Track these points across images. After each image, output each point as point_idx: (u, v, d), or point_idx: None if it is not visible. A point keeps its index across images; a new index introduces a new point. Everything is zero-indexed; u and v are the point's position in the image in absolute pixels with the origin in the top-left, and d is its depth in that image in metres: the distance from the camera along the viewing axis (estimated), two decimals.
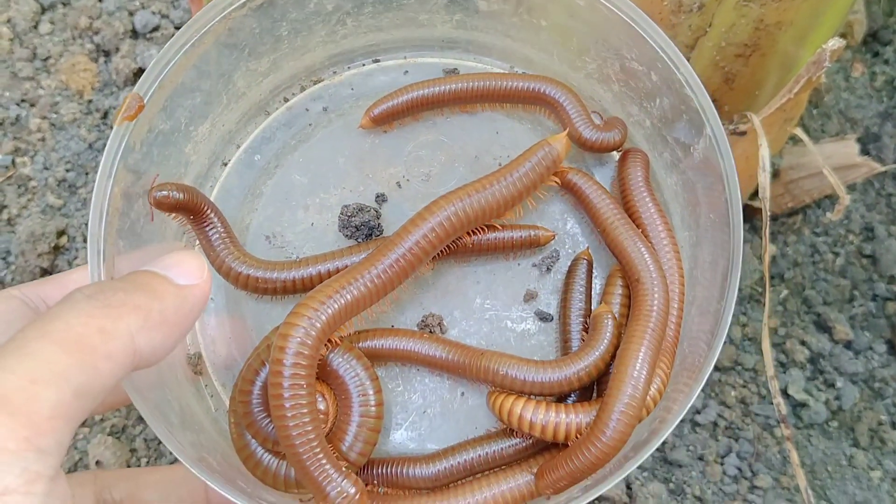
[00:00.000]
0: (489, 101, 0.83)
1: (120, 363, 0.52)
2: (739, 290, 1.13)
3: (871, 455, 1.09)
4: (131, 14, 1.26)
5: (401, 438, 0.77)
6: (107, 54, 1.25)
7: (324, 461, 0.63)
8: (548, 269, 0.82)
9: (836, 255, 1.21)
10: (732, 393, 1.10)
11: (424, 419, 0.78)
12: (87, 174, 1.19)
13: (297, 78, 0.87)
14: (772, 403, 1.09)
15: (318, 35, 0.85)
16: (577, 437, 0.70)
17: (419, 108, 0.83)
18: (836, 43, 0.83)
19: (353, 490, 0.63)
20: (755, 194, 1.20)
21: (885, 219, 1.22)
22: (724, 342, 1.11)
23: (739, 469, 1.06)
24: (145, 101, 0.72)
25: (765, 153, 0.86)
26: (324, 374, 0.71)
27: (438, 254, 0.76)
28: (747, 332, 1.13)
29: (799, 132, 0.95)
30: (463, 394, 0.78)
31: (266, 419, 0.70)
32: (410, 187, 0.83)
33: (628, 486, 1.03)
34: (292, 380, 0.64)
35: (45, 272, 1.13)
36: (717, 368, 1.11)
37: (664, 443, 1.06)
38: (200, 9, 0.77)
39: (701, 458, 1.06)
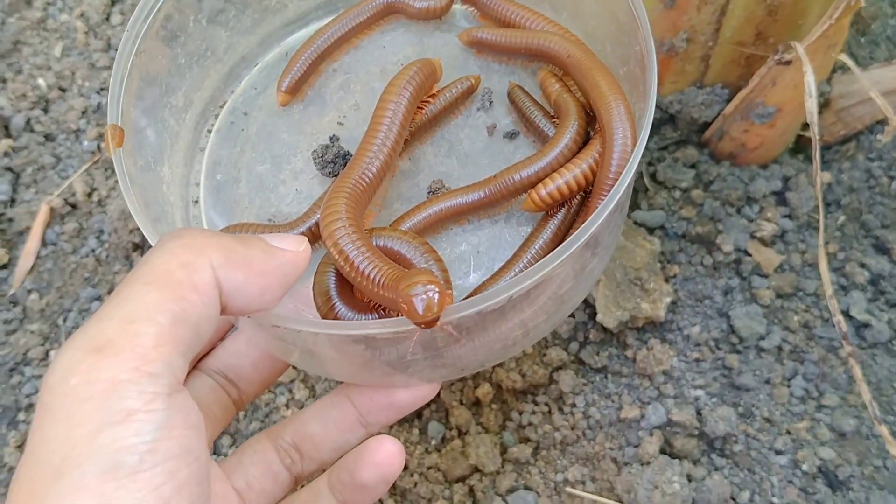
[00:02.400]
0: (359, 30, 0.97)
1: (208, 294, 0.55)
2: (797, 217, 1.17)
3: None
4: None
5: (473, 281, 0.83)
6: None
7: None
8: (489, 103, 0.92)
9: (892, 178, 1.23)
10: (795, 318, 1.13)
11: (481, 257, 0.85)
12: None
13: (208, 109, 0.97)
14: (834, 326, 1.12)
15: (205, 60, 0.96)
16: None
17: (314, 65, 0.95)
18: None
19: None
20: (807, 125, 1.22)
21: None
22: (785, 269, 1.15)
23: (806, 390, 1.10)
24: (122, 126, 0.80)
25: (810, 80, 0.89)
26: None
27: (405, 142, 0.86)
28: (807, 259, 1.16)
29: (844, 58, 0.98)
30: (496, 221, 0.87)
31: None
32: (349, 120, 0.94)
33: (698, 412, 1.08)
34: (352, 238, 0.70)
35: (137, 247, 1.22)
36: (778, 295, 1.14)
37: (730, 368, 1.10)
38: None
39: (767, 382, 1.10)
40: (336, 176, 0.89)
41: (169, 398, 0.51)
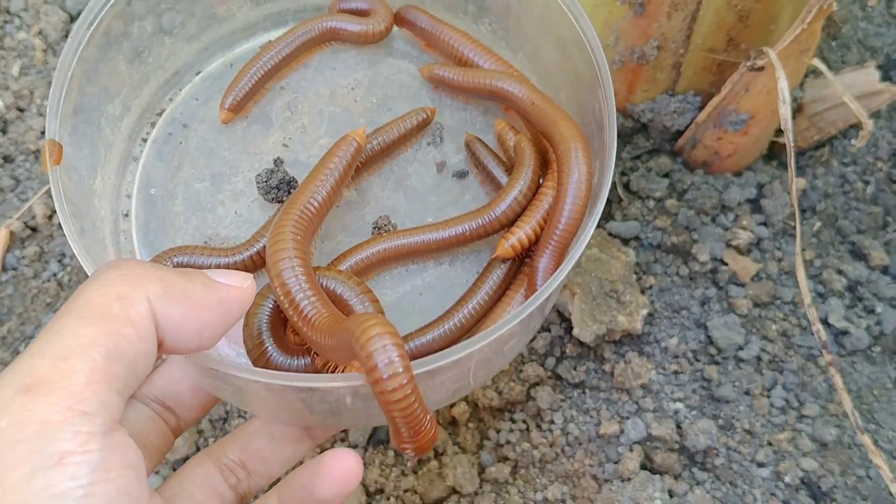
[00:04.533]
0: (305, 49, 0.94)
1: (144, 328, 0.53)
2: (772, 224, 1.15)
3: None
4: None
5: (413, 324, 0.82)
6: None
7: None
8: (440, 139, 0.90)
9: (867, 183, 1.22)
10: (773, 327, 1.12)
11: (423, 300, 0.84)
12: None
13: (144, 116, 0.94)
14: (813, 334, 1.11)
15: (148, 66, 0.93)
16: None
17: (260, 83, 0.92)
18: None
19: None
20: (781, 131, 1.21)
21: None
22: (762, 278, 1.14)
23: (786, 400, 1.08)
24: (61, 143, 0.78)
25: (783, 85, 0.87)
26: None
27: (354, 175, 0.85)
28: (783, 267, 1.15)
29: (817, 62, 0.96)
30: (441, 263, 0.86)
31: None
32: (294, 143, 0.91)
33: (678, 426, 1.06)
34: (296, 272, 0.68)
35: None
36: (755, 304, 1.13)
37: (709, 380, 1.08)
38: None
39: (747, 393, 1.08)
40: (280, 202, 0.86)
41: (105, 437, 0.48)
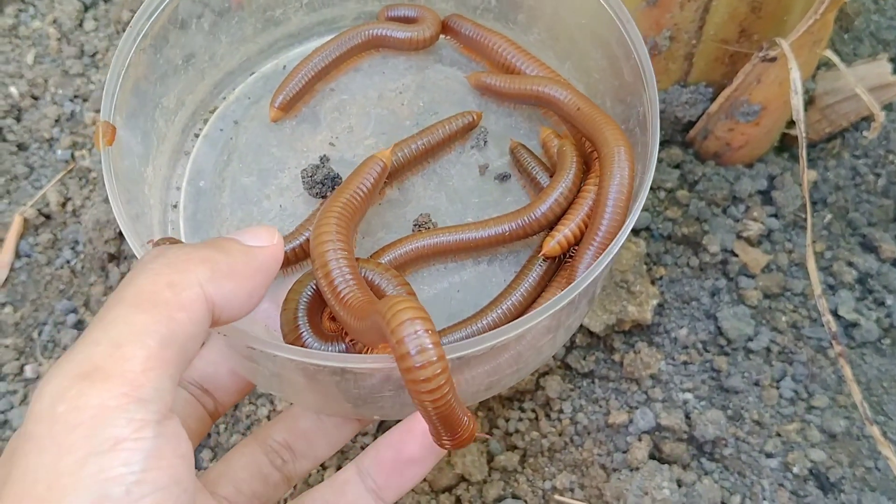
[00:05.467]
0: (353, 54, 0.96)
1: (196, 311, 0.54)
2: (783, 216, 1.15)
3: None
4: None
5: (448, 321, 0.82)
6: None
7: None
8: (484, 142, 0.91)
9: (878, 175, 1.22)
10: (783, 318, 1.12)
11: (462, 297, 0.85)
12: None
13: (198, 112, 0.96)
14: (823, 325, 1.11)
15: (203, 63, 0.94)
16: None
17: (310, 83, 0.94)
18: None
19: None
20: (792, 123, 1.21)
21: None
22: (772, 269, 1.14)
23: (795, 391, 1.08)
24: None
25: (795, 76, 0.87)
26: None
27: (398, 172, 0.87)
28: (794, 258, 1.15)
29: (829, 54, 0.96)
30: (479, 262, 0.86)
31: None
32: (341, 142, 0.92)
33: (687, 416, 1.06)
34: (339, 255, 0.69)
35: (113, 257, 1.19)
36: (765, 295, 1.13)
37: (719, 371, 1.08)
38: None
39: (756, 384, 1.09)
40: (324, 197, 0.88)
41: (158, 425, 0.49)
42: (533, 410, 1.10)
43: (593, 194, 0.80)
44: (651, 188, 1.19)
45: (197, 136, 0.95)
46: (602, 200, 0.78)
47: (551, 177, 0.86)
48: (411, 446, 0.69)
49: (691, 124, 1.18)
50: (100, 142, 0.77)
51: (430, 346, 0.56)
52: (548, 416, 1.09)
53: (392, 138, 0.91)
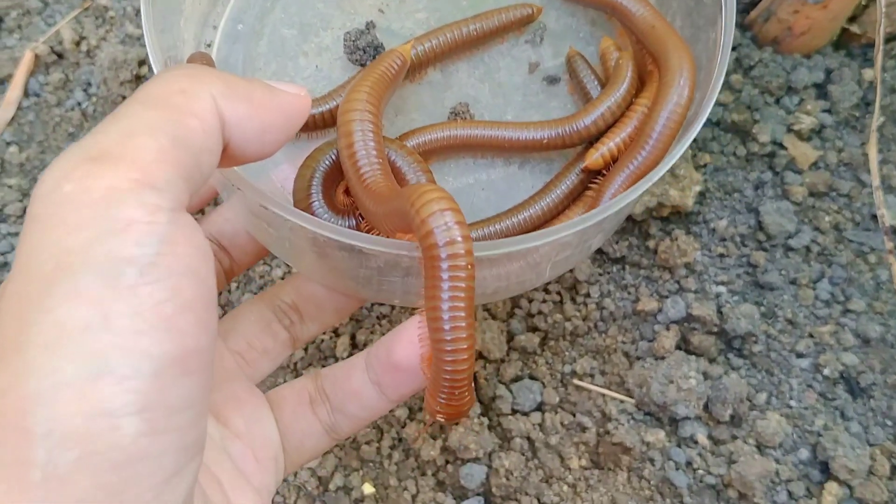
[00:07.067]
0: None
1: (208, 122, 0.50)
2: (837, 112, 1.09)
3: None
4: None
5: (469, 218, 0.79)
6: None
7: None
8: (540, 39, 0.86)
9: None
10: (826, 218, 1.07)
11: (485, 195, 0.81)
12: None
13: None
14: (867, 230, 1.06)
15: None
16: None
17: None
18: None
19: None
20: (853, 19, 1.14)
21: None
22: (820, 167, 1.08)
23: (832, 294, 1.04)
24: None
25: None
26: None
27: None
28: (843, 158, 1.10)
29: None
30: (511, 163, 0.82)
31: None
32: (390, 11, 0.87)
33: (719, 309, 1.02)
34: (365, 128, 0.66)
35: None
36: (811, 193, 1.08)
37: (755, 266, 1.04)
38: None
39: (793, 282, 1.04)
40: (363, 65, 0.83)
41: (172, 212, 0.45)
42: (558, 293, 1.05)
43: (644, 111, 0.75)
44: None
45: None
46: (651, 122, 0.73)
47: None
48: (398, 351, 0.65)
49: (753, 5, 1.11)
50: None
51: (460, 238, 0.54)
52: (573, 299, 1.05)
53: (444, 17, 0.85)
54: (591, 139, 0.78)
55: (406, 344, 0.65)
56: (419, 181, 0.71)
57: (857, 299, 1.04)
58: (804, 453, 0.97)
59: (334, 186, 0.74)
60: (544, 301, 1.05)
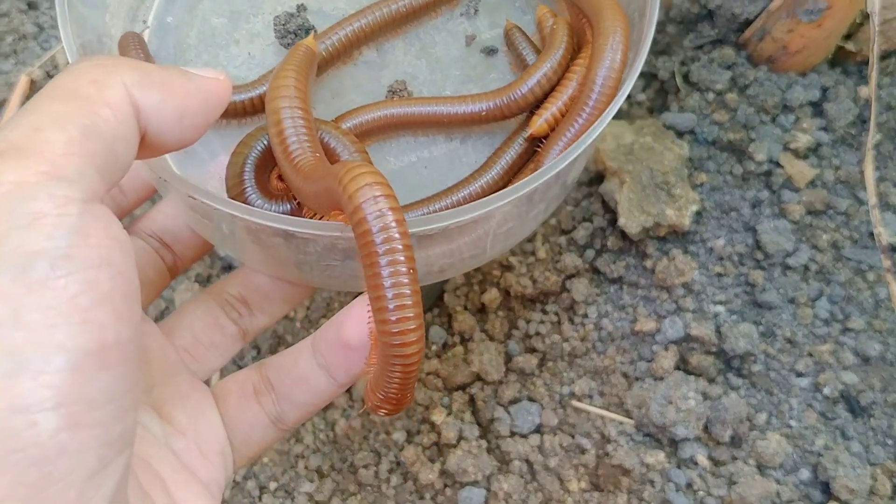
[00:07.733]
0: None
1: (122, 111, 0.49)
2: (833, 130, 1.09)
3: None
4: None
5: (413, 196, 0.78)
6: None
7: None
8: (475, 11, 0.85)
9: None
10: (824, 237, 1.07)
11: (428, 173, 0.80)
12: None
13: None
14: (865, 248, 1.06)
15: None
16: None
17: None
18: None
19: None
20: (848, 37, 1.14)
21: None
22: (817, 185, 1.08)
23: (831, 312, 1.04)
24: None
25: None
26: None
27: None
28: (840, 176, 1.09)
29: None
30: (452, 139, 0.81)
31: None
32: None
33: (718, 329, 1.01)
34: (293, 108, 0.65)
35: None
36: (808, 212, 1.07)
37: (754, 285, 1.04)
38: None
39: (792, 301, 1.04)
40: None
41: (84, 204, 0.44)
42: (556, 313, 1.05)
43: (581, 74, 0.75)
44: (699, 89, 1.12)
45: None
46: (587, 86, 0.72)
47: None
48: (348, 329, 0.65)
49: (748, 23, 1.11)
50: None
51: (389, 212, 0.52)
52: (571, 320, 1.05)
53: None
54: (531, 108, 0.77)
55: (357, 322, 0.64)
56: (351, 158, 0.70)
57: (856, 318, 1.03)
58: (805, 473, 0.96)
59: (268, 172, 0.73)
60: (542, 322, 1.04)
